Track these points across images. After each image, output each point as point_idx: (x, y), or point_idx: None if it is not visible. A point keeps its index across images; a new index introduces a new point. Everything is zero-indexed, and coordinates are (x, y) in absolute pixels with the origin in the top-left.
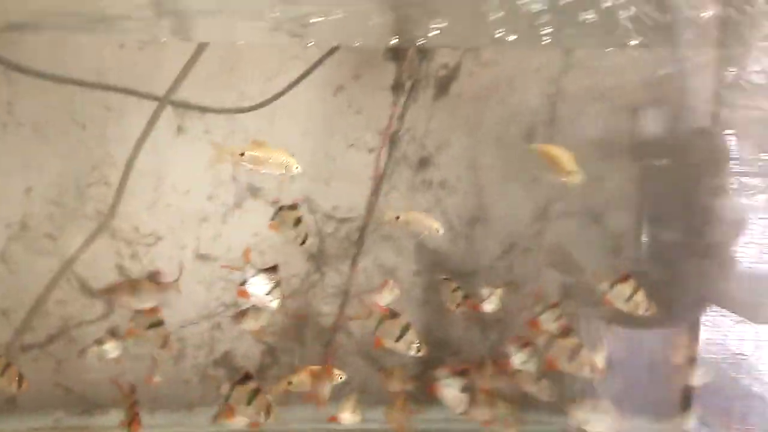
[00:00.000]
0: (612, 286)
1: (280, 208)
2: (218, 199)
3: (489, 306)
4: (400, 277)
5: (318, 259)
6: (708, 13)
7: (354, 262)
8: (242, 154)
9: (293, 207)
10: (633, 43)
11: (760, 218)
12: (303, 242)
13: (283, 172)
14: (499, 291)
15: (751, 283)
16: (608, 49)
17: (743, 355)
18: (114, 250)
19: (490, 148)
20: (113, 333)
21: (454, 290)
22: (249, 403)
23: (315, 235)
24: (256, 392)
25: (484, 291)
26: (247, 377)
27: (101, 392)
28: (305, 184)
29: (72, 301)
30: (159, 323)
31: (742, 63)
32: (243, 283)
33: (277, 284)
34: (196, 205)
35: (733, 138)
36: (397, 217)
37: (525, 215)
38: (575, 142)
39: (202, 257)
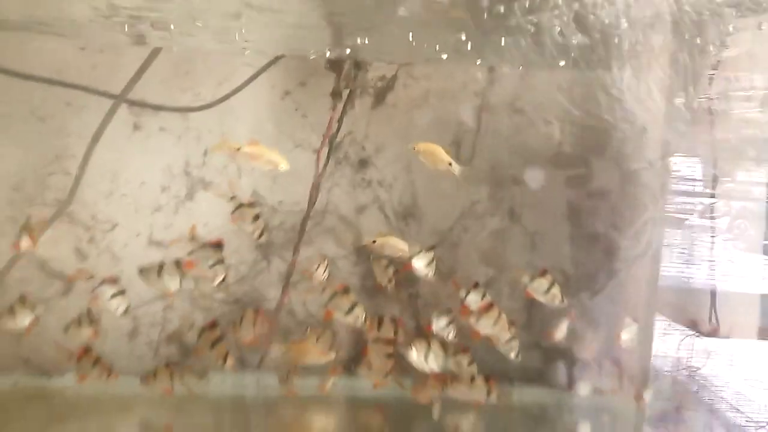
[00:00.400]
0: (532, 279)
1: (241, 205)
2: (171, 191)
3: (419, 263)
4: (340, 266)
5: (265, 249)
6: (657, 39)
7: (295, 251)
8: (239, 149)
9: (252, 204)
10: (561, 63)
11: (725, 240)
12: (260, 236)
13: (272, 168)
14: (430, 253)
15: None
16: (534, 68)
17: (695, 367)
18: (73, 235)
19: None
20: (23, 300)
21: (386, 267)
22: (212, 348)
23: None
24: (219, 339)
25: (414, 248)
26: (213, 325)
27: (57, 363)
28: (254, 179)
29: (32, 279)
30: (120, 293)
31: (696, 88)
32: (190, 254)
33: (221, 260)
34: (150, 196)
35: (697, 161)
36: (374, 241)
37: (453, 213)
38: (498, 150)
39: (156, 244)
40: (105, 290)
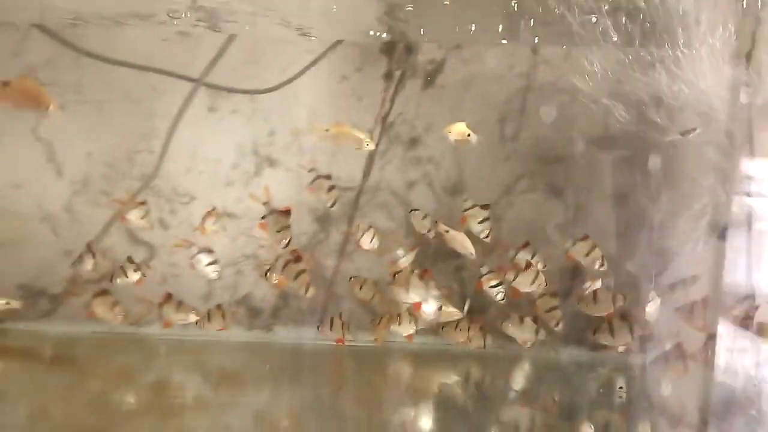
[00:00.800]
0: (574, 243)
1: (318, 176)
2: (241, 168)
3: (474, 219)
4: (391, 238)
5: (323, 221)
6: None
7: (350, 223)
8: (327, 130)
9: (328, 177)
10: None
11: None
12: (332, 205)
13: (358, 147)
14: (485, 212)
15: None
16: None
17: (762, 378)
18: (157, 207)
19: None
20: (90, 249)
21: (423, 218)
22: (295, 279)
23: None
24: (301, 272)
25: (466, 203)
26: (298, 259)
27: (143, 314)
28: (313, 157)
29: (121, 246)
30: (214, 262)
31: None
32: (264, 218)
33: (287, 226)
34: (223, 172)
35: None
36: (447, 231)
37: (498, 188)
38: (540, 128)
39: (228, 215)
40: (202, 258)
